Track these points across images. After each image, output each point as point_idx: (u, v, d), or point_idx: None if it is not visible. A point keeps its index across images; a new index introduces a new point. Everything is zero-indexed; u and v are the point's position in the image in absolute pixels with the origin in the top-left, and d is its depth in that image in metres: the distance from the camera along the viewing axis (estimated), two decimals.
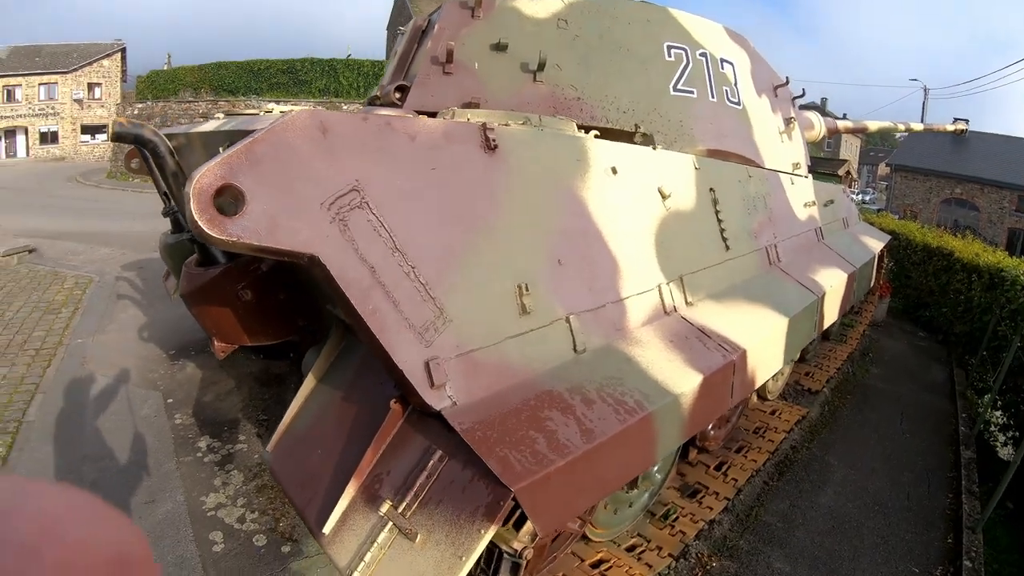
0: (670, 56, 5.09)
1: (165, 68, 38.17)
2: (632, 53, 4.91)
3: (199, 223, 1.64)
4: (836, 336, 8.34)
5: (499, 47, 4.54)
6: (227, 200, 1.76)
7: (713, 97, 5.28)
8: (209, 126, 4.03)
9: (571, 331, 2.59)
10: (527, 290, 2.46)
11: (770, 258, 4.79)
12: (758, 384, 3.58)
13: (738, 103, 5.55)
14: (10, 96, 39.85)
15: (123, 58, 43.10)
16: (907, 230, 12.48)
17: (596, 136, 3.50)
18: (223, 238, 1.67)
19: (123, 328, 7.68)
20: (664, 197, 3.46)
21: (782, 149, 6.41)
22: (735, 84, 5.57)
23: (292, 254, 1.83)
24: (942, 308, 10.42)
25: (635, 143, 4.26)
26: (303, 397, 2.91)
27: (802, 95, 7.22)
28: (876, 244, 8.31)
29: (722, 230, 4.03)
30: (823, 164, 10.26)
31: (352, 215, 2.01)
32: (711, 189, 4.07)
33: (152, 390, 5.99)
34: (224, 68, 33.03)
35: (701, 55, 5.28)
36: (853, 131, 10.37)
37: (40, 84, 40.19)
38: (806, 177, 6.92)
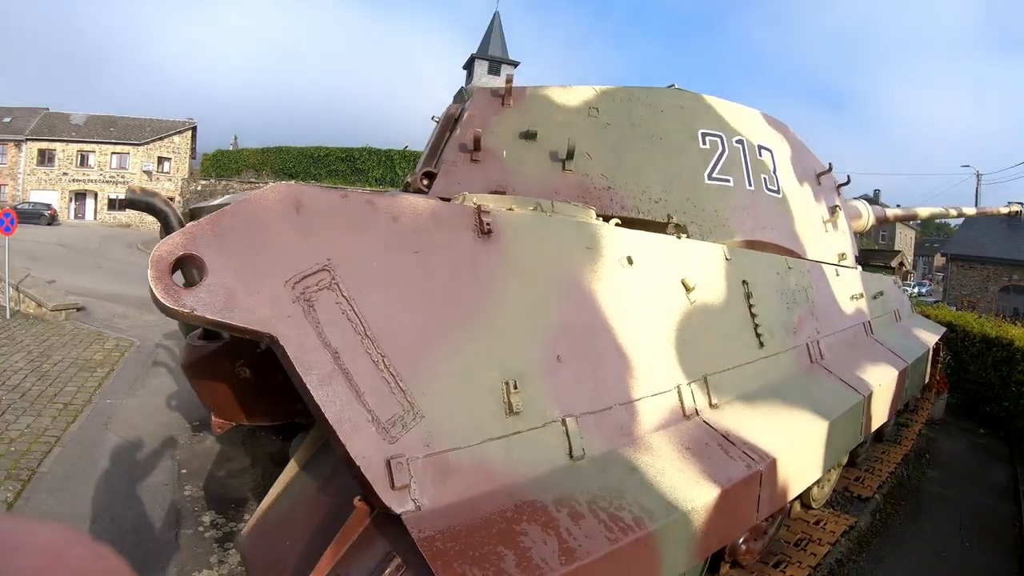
0: (705, 144, 4.97)
1: (231, 148, 40.05)
2: (665, 141, 4.81)
3: (154, 292, 1.60)
4: (890, 437, 7.80)
5: (528, 135, 4.50)
6: (189, 270, 1.71)
7: (751, 186, 5.10)
8: (226, 198, 4.02)
9: (567, 434, 2.33)
10: (516, 388, 2.24)
11: (811, 355, 4.48)
12: (792, 496, 3.24)
13: (777, 191, 5.36)
14: (83, 161, 42.46)
15: (193, 136, 45.51)
16: (964, 321, 11.86)
17: (617, 224, 3.34)
18: (178, 309, 1.61)
19: (153, 394, 7.71)
20: (688, 290, 3.25)
21: (826, 239, 6.15)
22: (774, 172, 5.39)
23: (250, 332, 1.75)
24: (1003, 402, 9.73)
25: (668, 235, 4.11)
26: (283, 483, 2.72)
27: (847, 182, 6.99)
28: (931, 337, 7.85)
29: (756, 325, 3.77)
30: (876, 256, 9.88)
31: (320, 296, 1.89)
32: (744, 282, 3.83)
33: (168, 458, 5.94)
34: (285, 152, 34.52)
35: (738, 142, 5.14)
36: (903, 219, 10.03)
37: (113, 153, 42.77)
38: (854, 268, 6.61)
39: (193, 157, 45.43)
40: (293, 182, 2.16)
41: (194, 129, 45.47)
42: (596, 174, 4.64)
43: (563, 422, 2.35)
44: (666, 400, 2.86)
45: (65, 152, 41.73)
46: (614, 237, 3.00)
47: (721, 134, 5.06)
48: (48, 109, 43.46)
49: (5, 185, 41.18)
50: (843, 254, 6.43)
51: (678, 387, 2.95)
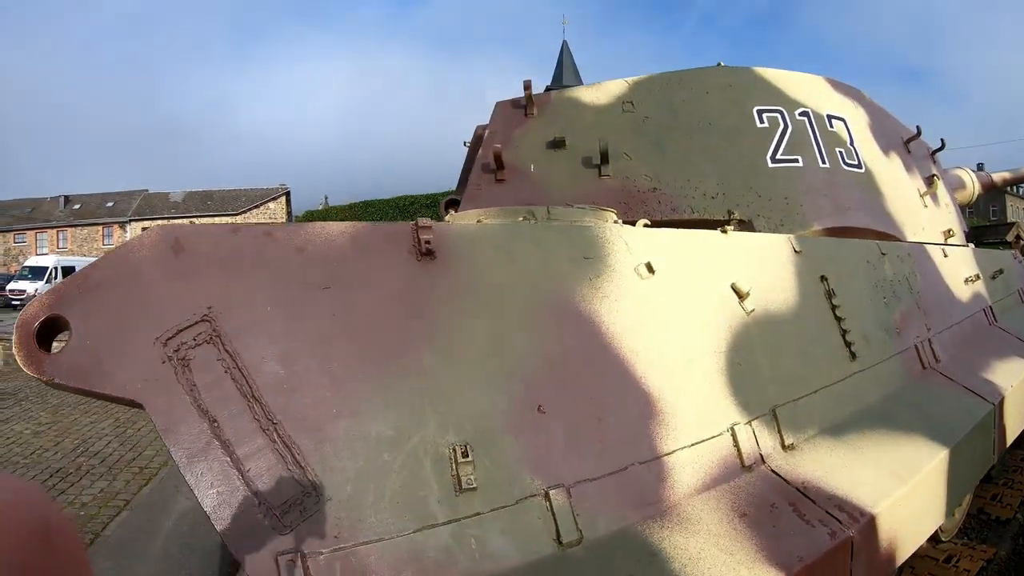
0: (762, 122, 4.24)
1: (320, 208, 41.24)
2: (715, 126, 4.17)
3: (18, 359, 1.45)
4: None
5: (556, 144, 4.06)
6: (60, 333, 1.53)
7: (824, 163, 4.29)
8: None
9: (552, 512, 1.68)
10: (467, 454, 1.65)
11: (923, 359, 3.61)
12: (902, 560, 2.41)
13: (859, 165, 4.51)
14: None
15: (288, 200, 47.33)
16: None
17: (646, 226, 2.66)
18: (42, 378, 1.43)
19: None
20: (742, 297, 2.52)
21: (926, 215, 5.20)
22: (851, 143, 4.55)
23: (117, 400, 1.50)
24: None
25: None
26: None
27: (941, 147, 5.98)
28: None
29: (843, 332, 2.98)
30: (989, 232, 8.65)
31: (197, 352, 1.52)
32: (823, 277, 3.06)
33: None
34: (372, 206, 35.29)
35: (802, 115, 4.37)
36: (1013, 181, 8.72)
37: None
38: (964, 246, 5.60)
39: (289, 220, 46.94)
40: (177, 222, 1.61)
41: (287, 194, 47.33)
42: (639, 175, 4.07)
43: (546, 496, 1.69)
44: (714, 448, 2.14)
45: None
46: (626, 241, 2.33)
47: (780, 108, 4.31)
48: (148, 190, 46.55)
49: None
50: (949, 230, 5.43)
51: (732, 428, 2.22)
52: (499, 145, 4.05)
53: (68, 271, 31.49)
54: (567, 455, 1.81)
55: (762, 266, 2.77)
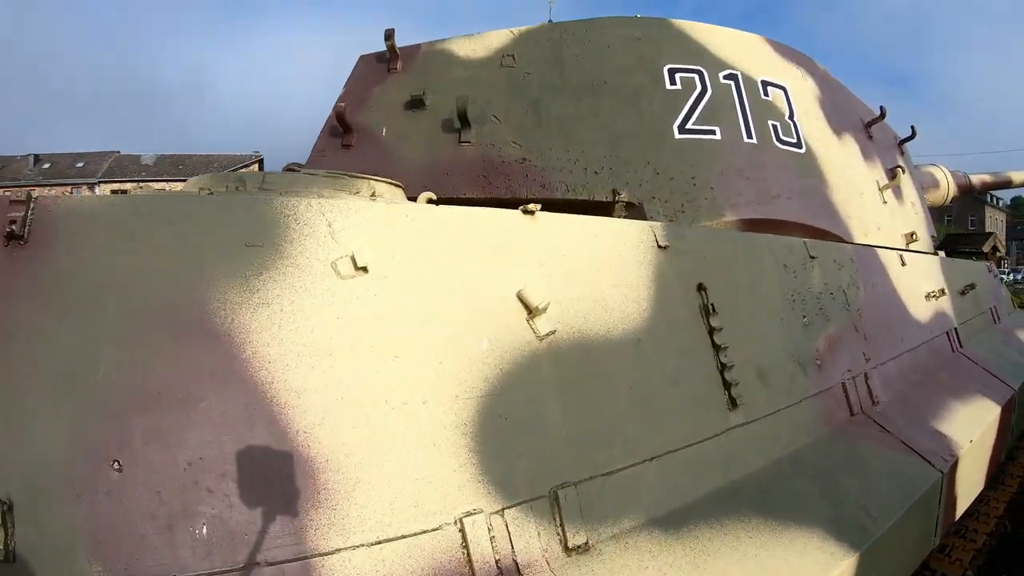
0: (674, 83, 3.32)
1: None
2: (611, 86, 3.30)
3: None
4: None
5: (414, 104, 3.42)
6: None
7: (751, 137, 3.34)
8: None
9: None
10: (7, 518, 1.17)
11: (852, 402, 2.67)
12: None
13: (798, 144, 3.56)
14: None
15: (260, 167, 45.77)
16: None
17: (431, 202, 1.77)
18: None
19: None
20: (532, 312, 1.57)
21: (885, 213, 4.26)
22: (790, 117, 3.59)
23: None
24: None
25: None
26: None
27: (912, 136, 5.04)
28: None
29: (722, 366, 2.03)
30: (964, 241, 7.75)
31: None
32: (700, 287, 2.11)
33: None
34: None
35: (728, 78, 3.42)
36: (993, 186, 7.80)
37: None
38: (932, 254, 4.67)
39: None
40: None
41: (260, 161, 45.84)
42: (505, 142, 3.27)
43: None
44: (424, 549, 1.30)
45: (137, 191, 42.54)
46: (329, 222, 1.42)
47: (700, 68, 3.39)
48: (119, 152, 44.78)
49: None
50: (912, 234, 4.48)
51: (460, 520, 1.29)
52: (343, 104, 3.44)
53: None
54: (147, 534, 1.20)
55: (591, 267, 1.80)
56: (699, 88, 3.31)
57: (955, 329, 4.32)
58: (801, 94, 3.76)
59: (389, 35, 3.59)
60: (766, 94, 3.54)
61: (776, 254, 2.68)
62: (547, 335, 1.57)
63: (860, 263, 3.33)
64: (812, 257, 2.89)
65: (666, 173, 3.09)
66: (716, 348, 2.03)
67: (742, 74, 3.47)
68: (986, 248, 8.17)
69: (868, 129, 4.38)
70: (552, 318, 1.59)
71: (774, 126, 3.48)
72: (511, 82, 3.37)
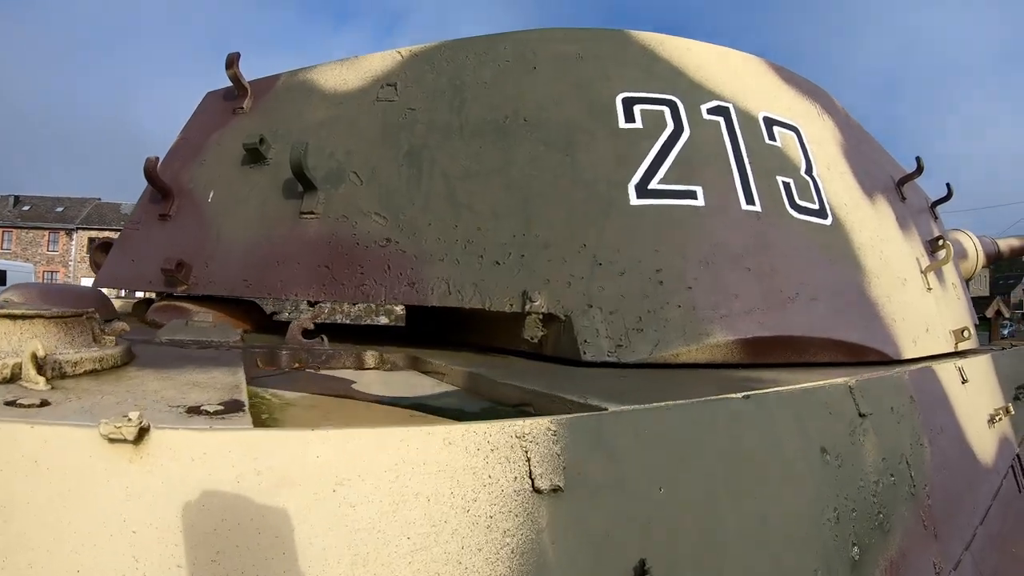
0: (631, 119, 2.05)
1: None
2: (531, 124, 1.99)
3: None
4: None
5: (253, 157, 2.38)
6: None
7: (751, 202, 2.10)
8: None
9: None
10: None
11: None
12: None
13: (821, 212, 2.32)
14: None
15: None
16: None
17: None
18: None
19: None
20: None
21: (930, 306, 2.99)
22: (807, 172, 2.35)
23: None
24: None
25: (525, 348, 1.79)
26: None
27: (948, 196, 3.81)
28: None
29: None
30: None
31: None
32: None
33: None
34: None
35: (715, 112, 2.18)
36: (1021, 252, 6.61)
37: None
38: (983, 352, 3.40)
39: None
40: None
41: None
42: (365, 213, 2.03)
43: None
44: None
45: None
46: None
47: (672, 99, 2.13)
48: (100, 199, 43.54)
49: (57, 272, 40.46)
50: (963, 330, 3.21)
51: None
52: (154, 156, 2.47)
53: None
54: None
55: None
56: (670, 127, 2.08)
57: (1017, 457, 3.05)
58: (820, 140, 2.54)
59: (231, 61, 2.50)
60: (772, 137, 2.31)
61: (808, 432, 1.39)
62: None
63: (921, 401, 2.04)
64: (862, 416, 1.60)
65: (614, 263, 1.83)
66: None
67: (736, 107, 2.25)
68: (989, 313, 7.06)
69: (900, 188, 3.14)
70: None
71: (785, 185, 2.23)
72: (386, 123, 2.19)
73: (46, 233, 41.55)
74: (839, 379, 1.61)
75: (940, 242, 3.24)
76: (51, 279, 39.25)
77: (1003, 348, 4.22)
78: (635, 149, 2.02)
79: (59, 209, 42.09)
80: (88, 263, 3.20)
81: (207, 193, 2.43)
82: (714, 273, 1.91)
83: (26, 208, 42.34)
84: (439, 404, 1.43)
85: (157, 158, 2.47)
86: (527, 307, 1.71)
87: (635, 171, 1.97)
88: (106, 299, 2.72)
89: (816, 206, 2.31)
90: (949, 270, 3.50)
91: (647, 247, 1.87)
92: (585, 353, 1.72)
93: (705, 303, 1.86)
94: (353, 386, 1.59)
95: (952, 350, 3.03)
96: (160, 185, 2.45)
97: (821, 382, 1.56)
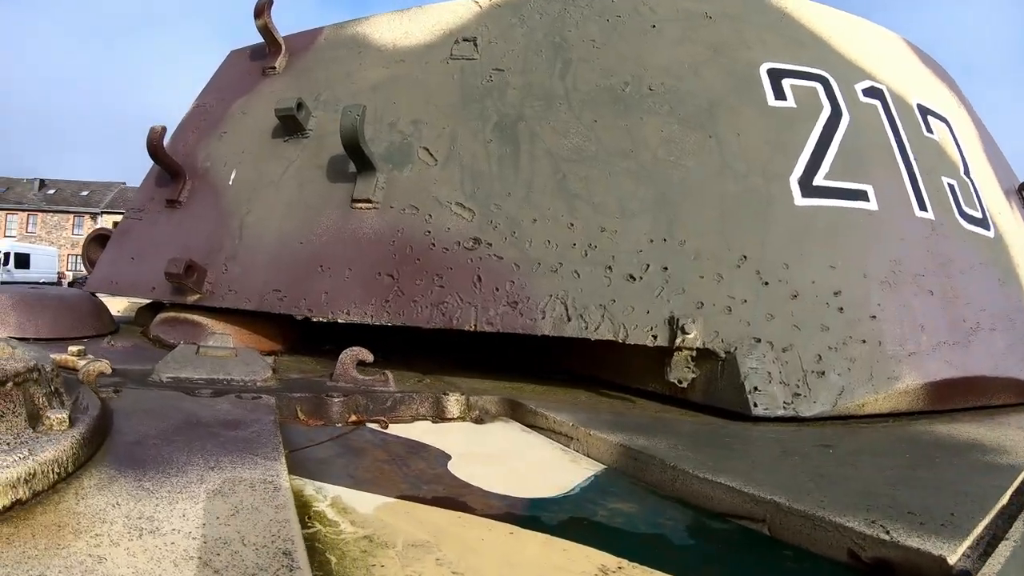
0: (781, 96, 1.58)
1: None
2: (663, 96, 1.61)
3: None
4: None
5: (288, 127, 1.85)
6: None
7: (924, 208, 1.64)
8: None
9: None
10: None
11: None
12: None
13: (984, 222, 1.89)
14: None
15: None
16: None
17: None
18: None
19: None
20: None
21: None
22: (966, 173, 1.92)
23: None
24: None
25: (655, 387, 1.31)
26: None
27: None
28: None
29: None
30: None
31: None
32: None
33: None
34: None
35: (870, 94, 1.73)
36: None
37: None
38: None
39: None
40: None
41: None
42: (443, 204, 1.52)
43: None
44: None
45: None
46: None
47: (824, 74, 1.67)
48: (124, 184, 42.77)
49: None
50: None
51: None
52: (160, 126, 1.95)
53: (21, 258, 28.32)
54: None
55: None
56: (827, 108, 1.64)
57: None
58: (967, 135, 2.10)
59: (260, 9, 2.00)
60: (929, 129, 1.88)
61: None
62: None
63: None
64: None
65: (783, 281, 1.38)
66: None
67: (889, 91, 1.81)
68: None
69: (1021, 193, 2.73)
70: None
71: (951, 187, 1.80)
72: (465, 86, 1.73)
73: (71, 217, 41.15)
74: None
75: None
76: (75, 262, 38.54)
77: None
78: (792, 134, 1.57)
79: (84, 193, 41.73)
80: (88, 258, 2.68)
81: (228, 174, 1.95)
82: (899, 297, 1.47)
83: (51, 192, 42.08)
84: (614, 521, 0.97)
85: (164, 127, 1.99)
86: (679, 340, 1.25)
87: (795, 161, 1.53)
88: (101, 306, 2.13)
89: (979, 215, 1.88)
90: None
91: (821, 262, 1.43)
92: (756, 405, 1.27)
93: (892, 336, 1.42)
94: (451, 468, 1.13)
95: None
96: (168, 163, 1.98)
97: None
